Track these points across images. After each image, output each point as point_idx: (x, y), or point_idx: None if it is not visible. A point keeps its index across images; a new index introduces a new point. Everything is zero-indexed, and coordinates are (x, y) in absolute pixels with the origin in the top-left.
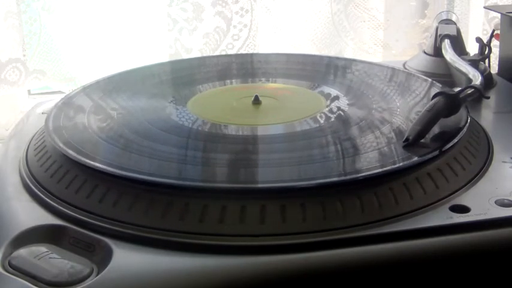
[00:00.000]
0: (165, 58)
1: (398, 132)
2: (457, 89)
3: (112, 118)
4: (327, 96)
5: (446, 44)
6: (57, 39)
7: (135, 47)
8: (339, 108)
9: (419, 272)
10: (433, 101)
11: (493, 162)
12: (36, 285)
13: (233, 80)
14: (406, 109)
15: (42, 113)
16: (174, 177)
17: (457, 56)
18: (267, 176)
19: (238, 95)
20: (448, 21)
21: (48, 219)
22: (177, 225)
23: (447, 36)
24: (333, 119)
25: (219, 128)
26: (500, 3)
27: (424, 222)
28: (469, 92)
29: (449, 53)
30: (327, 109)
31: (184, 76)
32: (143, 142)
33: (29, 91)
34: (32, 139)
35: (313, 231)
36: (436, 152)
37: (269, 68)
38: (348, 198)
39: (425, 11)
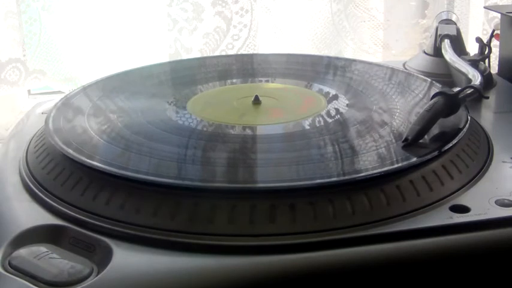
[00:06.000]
0: (165, 58)
1: (398, 132)
2: (457, 89)
3: (112, 118)
4: (327, 96)
5: (446, 44)
6: (57, 39)
7: (135, 47)
8: (338, 109)
9: (419, 272)
10: (433, 101)
11: (493, 162)
12: (36, 285)
13: (233, 80)
14: (405, 109)
15: (42, 113)
16: (174, 177)
17: (456, 56)
18: (267, 176)
19: (238, 95)
20: (448, 21)
21: (48, 219)
22: (177, 225)
23: (447, 36)
24: (332, 119)
25: (219, 128)
26: (500, 3)
27: (424, 222)
28: (469, 92)
29: (449, 53)
30: (326, 109)
31: (184, 76)
32: (143, 142)
33: (29, 91)
34: (32, 139)
35: (313, 231)
36: (436, 152)
37: (269, 68)
38: (347, 198)
39: (425, 11)
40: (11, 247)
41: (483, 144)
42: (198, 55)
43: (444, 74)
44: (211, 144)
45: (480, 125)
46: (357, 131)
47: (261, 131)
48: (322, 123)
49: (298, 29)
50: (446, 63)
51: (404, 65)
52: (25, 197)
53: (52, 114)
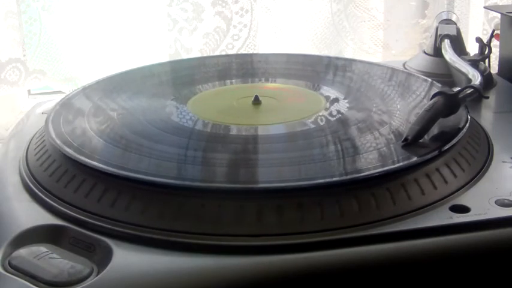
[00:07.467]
0: (165, 58)
1: (398, 132)
2: (456, 89)
3: (112, 118)
4: (327, 96)
5: (446, 44)
6: (57, 39)
7: (135, 47)
8: (338, 109)
9: (419, 272)
10: (432, 100)
11: (493, 162)
12: (36, 285)
13: (233, 80)
14: (405, 109)
15: (42, 113)
16: (174, 177)
17: (456, 56)
18: (266, 176)
19: (238, 95)
20: (448, 21)
21: (48, 219)
22: (177, 225)
23: (447, 36)
24: (332, 119)
25: (219, 128)
26: (500, 3)
27: (424, 222)
28: (468, 92)
29: (449, 53)
30: (326, 109)
31: (184, 76)
32: (143, 142)
33: (29, 91)
34: (32, 139)
35: (312, 231)
36: (436, 152)
37: (269, 68)
38: (347, 198)
39: (425, 11)
40: (11, 247)
41: (483, 144)
42: (198, 55)
43: (444, 74)
44: (211, 145)
45: (480, 125)
46: (356, 131)
47: (260, 131)
48: (322, 123)
49: (298, 29)
50: (446, 63)
51: (404, 65)
52: (25, 197)
53: (52, 114)
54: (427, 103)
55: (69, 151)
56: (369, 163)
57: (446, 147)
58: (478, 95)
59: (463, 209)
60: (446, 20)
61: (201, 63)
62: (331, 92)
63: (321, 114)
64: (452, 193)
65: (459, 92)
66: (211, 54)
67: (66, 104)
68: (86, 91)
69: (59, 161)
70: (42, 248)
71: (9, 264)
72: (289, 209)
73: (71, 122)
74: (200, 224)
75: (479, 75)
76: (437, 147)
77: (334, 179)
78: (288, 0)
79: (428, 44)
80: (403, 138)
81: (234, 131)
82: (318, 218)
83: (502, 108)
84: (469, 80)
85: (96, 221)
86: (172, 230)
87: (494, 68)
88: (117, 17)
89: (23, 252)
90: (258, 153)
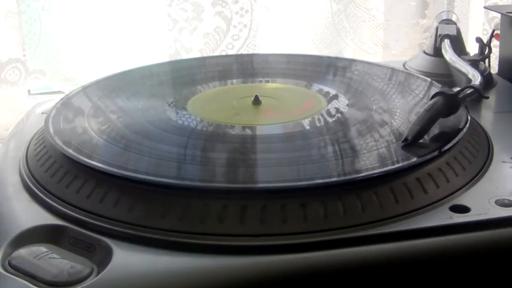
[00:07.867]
0: (165, 58)
1: (398, 132)
2: (456, 89)
3: (112, 118)
4: (327, 96)
5: (446, 44)
6: (57, 39)
7: (135, 47)
8: (338, 109)
9: (419, 272)
10: (432, 100)
11: (493, 162)
12: (36, 285)
13: (233, 80)
14: (405, 109)
15: (42, 113)
16: (174, 177)
17: (456, 56)
18: (267, 176)
19: (238, 95)
20: (448, 21)
21: (48, 219)
22: (177, 225)
23: (447, 36)
24: (332, 119)
25: (219, 128)
26: (500, 3)
27: (424, 222)
28: (468, 92)
29: (449, 53)
30: (326, 109)
31: (184, 76)
32: (143, 142)
33: (29, 91)
34: (32, 139)
35: (313, 231)
36: (436, 152)
37: (269, 68)
38: (347, 198)
39: (425, 11)
40: (11, 247)
41: (483, 144)
42: (198, 55)
43: (444, 74)
44: (211, 144)
45: (480, 125)
46: (356, 131)
47: (260, 131)
48: (322, 123)
49: (298, 29)
50: (446, 63)
51: (404, 65)
52: (25, 197)
53: (52, 114)
54: (427, 103)
55: (69, 151)
56: (369, 163)
57: (446, 147)
58: (478, 95)
59: (463, 209)
60: (446, 20)
61: (201, 63)
62: (331, 92)
63: (321, 114)
64: (453, 193)
65: (459, 92)
66: (211, 54)
67: (66, 104)
68: (86, 91)
69: (59, 161)
70: (42, 248)
71: (9, 264)
72: (290, 209)
73: (70, 122)
74: (200, 224)
75: (479, 75)
76: (437, 148)
77: (334, 179)
78: (288, 0)
79: (428, 44)
80: (403, 139)
81: (234, 131)
82: (319, 218)
83: (502, 108)
84: (469, 80)
85: (96, 221)
86: (172, 230)
87: (494, 68)
88: (117, 17)
89: (23, 252)
90: (258, 153)
